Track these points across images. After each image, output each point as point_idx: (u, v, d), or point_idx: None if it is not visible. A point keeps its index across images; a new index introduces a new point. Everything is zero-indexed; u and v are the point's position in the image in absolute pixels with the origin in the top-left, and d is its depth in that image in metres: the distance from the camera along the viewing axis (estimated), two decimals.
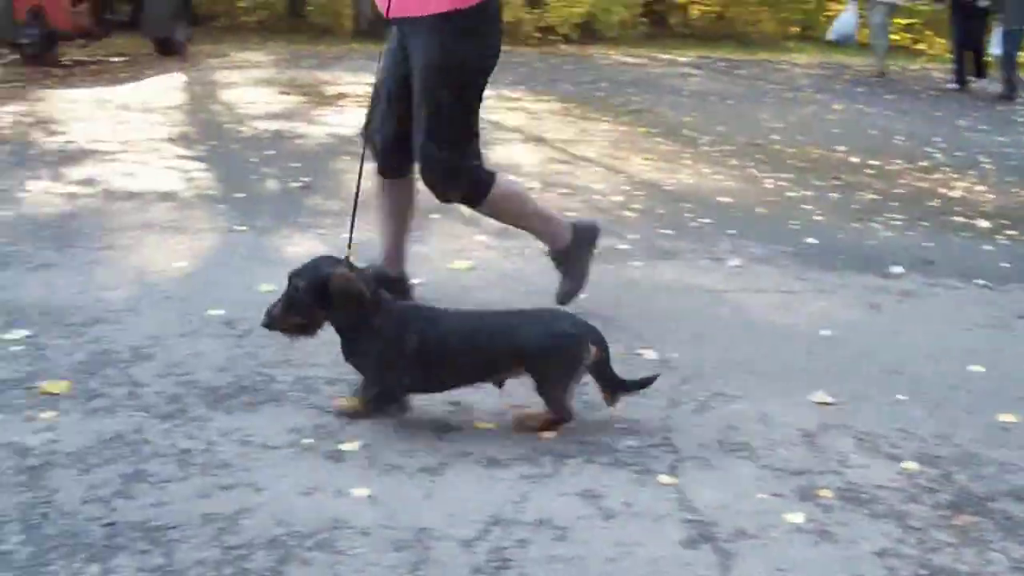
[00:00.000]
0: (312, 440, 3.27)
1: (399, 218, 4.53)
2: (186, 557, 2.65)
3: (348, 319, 3.30)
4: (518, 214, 4.46)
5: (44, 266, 4.92)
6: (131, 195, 6.42)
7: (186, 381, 3.66)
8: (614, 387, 3.44)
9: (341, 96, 11.26)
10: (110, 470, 3.06)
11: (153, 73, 12.63)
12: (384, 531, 2.79)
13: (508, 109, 10.63)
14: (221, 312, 4.31)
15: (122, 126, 8.97)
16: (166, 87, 11.57)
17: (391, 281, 4.42)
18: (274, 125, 9.22)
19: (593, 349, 3.31)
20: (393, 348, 3.28)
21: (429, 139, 4.09)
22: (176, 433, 3.29)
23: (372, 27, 20.39)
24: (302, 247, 5.25)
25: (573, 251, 4.49)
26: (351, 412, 3.40)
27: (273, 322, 3.34)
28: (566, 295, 4.45)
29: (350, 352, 3.36)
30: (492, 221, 5.61)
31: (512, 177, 4.54)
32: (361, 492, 2.97)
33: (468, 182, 4.22)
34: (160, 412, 3.42)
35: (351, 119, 9.40)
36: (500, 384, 3.43)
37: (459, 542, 2.76)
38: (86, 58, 14.06)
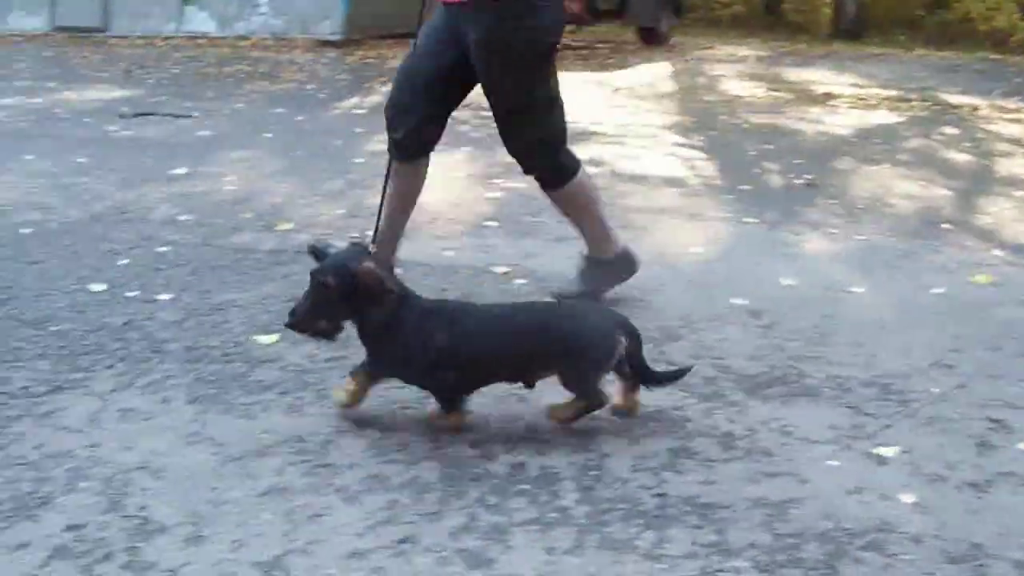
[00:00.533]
0: (850, 439, 3.24)
1: (400, 203, 4.31)
2: (739, 538, 2.68)
3: (375, 314, 3.11)
4: (583, 209, 4.35)
5: (564, 239, 5.13)
6: (637, 178, 6.62)
7: (720, 365, 3.73)
8: (647, 379, 3.25)
9: (829, 96, 11.15)
10: (657, 443, 3.16)
11: (638, 61, 12.94)
12: (935, 541, 2.72)
13: (1006, 120, 10.16)
14: (745, 302, 4.36)
15: (617, 110, 9.24)
16: (654, 75, 11.82)
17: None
18: (766, 119, 9.25)
19: (624, 340, 3.13)
20: (418, 345, 3.09)
21: (499, 116, 4.13)
22: (716, 415, 3.36)
23: (853, 26, 20.06)
24: (815, 245, 5.24)
25: (606, 269, 4.37)
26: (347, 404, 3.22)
27: (299, 322, 3.17)
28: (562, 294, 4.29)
29: (371, 349, 3.19)
30: (1010, 235, 5.37)
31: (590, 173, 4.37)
32: (907, 498, 2.91)
33: (543, 157, 4.21)
34: (699, 393, 3.50)
35: (845, 119, 9.31)
36: (531, 384, 3.24)
37: (1014, 563, 2.65)
38: (573, 43, 14.57)
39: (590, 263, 4.36)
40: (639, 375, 3.22)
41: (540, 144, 4.18)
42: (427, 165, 4.28)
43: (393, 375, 3.22)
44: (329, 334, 3.20)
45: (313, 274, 3.14)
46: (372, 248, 3.33)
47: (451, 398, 3.16)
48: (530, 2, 3.92)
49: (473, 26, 3.95)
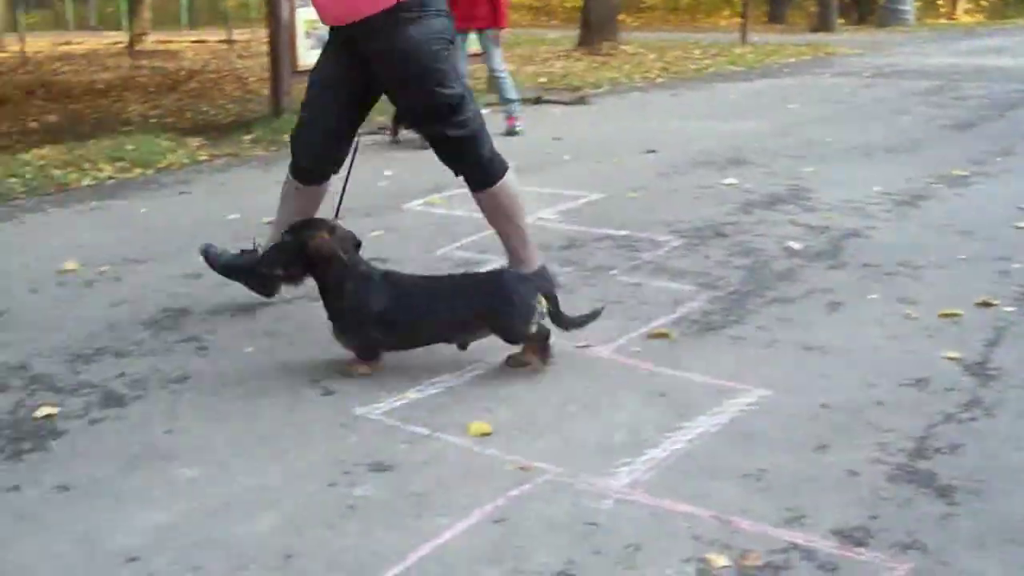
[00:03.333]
0: None
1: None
2: None
3: (322, 278, 3.65)
4: (511, 215, 4.31)
5: None
6: None
7: None
8: (565, 325, 3.70)
9: None
10: None
11: None
12: None
13: None
14: None
15: None
16: None
17: None
18: None
19: (543, 300, 3.59)
20: (362, 308, 3.59)
21: (420, 121, 4.21)
22: None
23: None
24: None
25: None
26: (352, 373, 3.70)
27: (263, 265, 3.87)
28: None
29: (328, 310, 3.70)
30: None
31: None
32: None
33: (469, 153, 4.18)
34: None
35: None
36: (464, 346, 3.73)
37: None
38: None
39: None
40: (559, 324, 3.68)
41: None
42: (325, 189, 4.40)
43: (341, 333, 3.69)
44: (286, 281, 3.83)
45: (284, 230, 3.80)
46: (338, 220, 3.81)
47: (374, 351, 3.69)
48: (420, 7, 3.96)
49: (382, 37, 3.98)
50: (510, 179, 4.28)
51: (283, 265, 3.73)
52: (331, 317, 3.69)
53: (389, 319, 3.62)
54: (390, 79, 4.08)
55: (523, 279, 3.79)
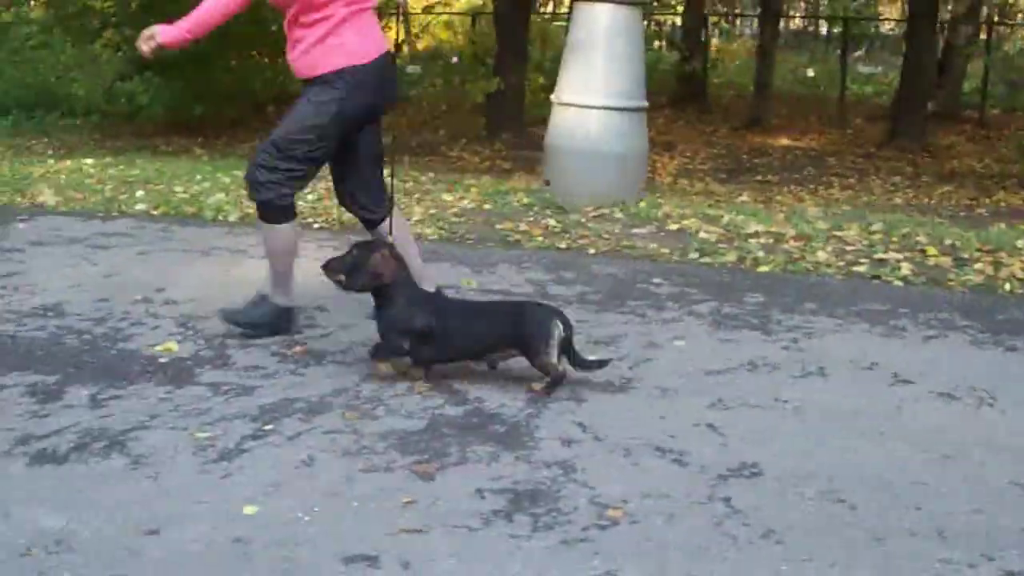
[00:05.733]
0: None
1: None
2: None
3: (380, 287, 4.03)
4: (276, 255, 4.59)
5: None
6: None
7: None
8: (574, 363, 4.02)
9: None
10: None
11: None
12: None
13: None
14: None
15: None
16: None
17: None
18: None
19: (560, 327, 3.95)
20: (405, 322, 4.02)
21: (262, 147, 4.46)
22: None
23: None
24: None
25: (273, 313, 4.65)
26: (384, 374, 4.11)
27: (328, 270, 4.12)
28: (230, 316, 4.68)
29: (377, 316, 4.13)
30: None
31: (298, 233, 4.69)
32: None
33: (267, 197, 4.45)
34: None
35: None
36: (494, 365, 4.12)
37: None
38: None
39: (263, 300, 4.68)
40: (569, 358, 4.00)
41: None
42: (388, 218, 4.69)
43: (390, 342, 4.11)
44: (343, 287, 4.13)
45: (352, 244, 4.20)
46: (393, 240, 4.33)
47: (421, 361, 4.10)
48: (346, 81, 4.38)
49: (311, 92, 4.46)
50: (284, 229, 4.53)
51: (346, 273, 4.08)
52: (380, 327, 4.12)
53: (428, 335, 4.03)
54: (288, 116, 4.48)
55: (544, 308, 4.16)
